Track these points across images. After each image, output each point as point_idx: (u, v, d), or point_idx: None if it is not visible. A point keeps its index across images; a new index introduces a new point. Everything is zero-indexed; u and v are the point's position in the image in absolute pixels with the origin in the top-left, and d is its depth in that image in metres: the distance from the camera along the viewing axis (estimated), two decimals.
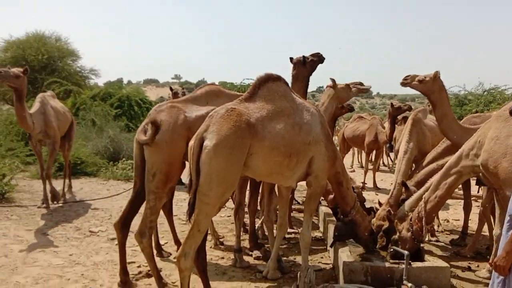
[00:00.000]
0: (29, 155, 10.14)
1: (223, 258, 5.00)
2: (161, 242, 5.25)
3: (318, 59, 5.60)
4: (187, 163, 3.62)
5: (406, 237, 4.27)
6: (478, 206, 7.99)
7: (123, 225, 4.06)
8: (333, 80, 5.89)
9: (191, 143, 3.29)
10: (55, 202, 7.34)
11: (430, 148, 6.17)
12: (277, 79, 3.80)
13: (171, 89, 9.03)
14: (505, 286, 2.60)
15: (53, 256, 4.87)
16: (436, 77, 5.11)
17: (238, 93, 4.39)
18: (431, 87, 5.13)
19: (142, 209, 4.00)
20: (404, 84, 5.39)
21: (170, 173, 3.84)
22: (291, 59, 5.65)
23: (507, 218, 2.71)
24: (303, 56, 5.52)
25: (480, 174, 4.08)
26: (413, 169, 6.10)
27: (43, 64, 20.24)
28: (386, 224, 4.66)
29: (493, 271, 2.69)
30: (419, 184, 5.01)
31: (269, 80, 3.74)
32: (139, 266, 4.63)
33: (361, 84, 6.08)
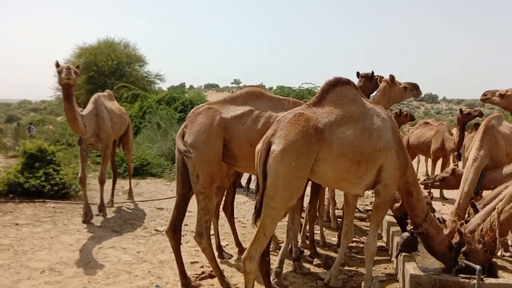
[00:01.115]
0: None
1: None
2: (223, 244, 5.35)
3: (378, 85, 6.05)
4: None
5: (477, 249, 4.02)
6: None
7: (174, 231, 4.13)
8: (392, 77, 5.70)
9: (258, 147, 3.32)
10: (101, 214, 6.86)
11: (504, 157, 5.80)
12: (347, 83, 3.71)
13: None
14: None
15: (122, 253, 5.13)
16: None
17: (281, 97, 4.37)
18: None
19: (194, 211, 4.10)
20: (483, 100, 5.24)
21: (213, 172, 3.89)
22: (357, 73, 6.06)
23: None
24: (372, 72, 5.91)
25: None
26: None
27: (113, 69, 21.44)
28: (455, 237, 4.44)
29: None
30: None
31: (338, 84, 3.66)
32: (202, 266, 4.75)
33: (416, 88, 5.92)
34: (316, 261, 5.01)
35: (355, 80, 5.80)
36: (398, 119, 6.99)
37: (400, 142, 3.81)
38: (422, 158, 14.35)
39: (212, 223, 5.17)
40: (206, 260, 4.89)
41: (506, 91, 4.90)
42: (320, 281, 4.42)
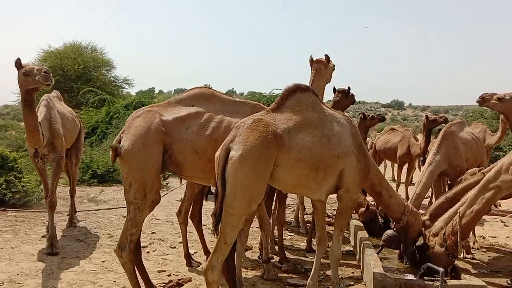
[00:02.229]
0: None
1: (253, 269, 4.98)
2: (191, 251, 5.28)
3: (353, 101, 6.19)
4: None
5: (440, 253, 4.14)
6: None
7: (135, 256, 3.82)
8: (327, 56, 5.55)
9: (217, 153, 3.28)
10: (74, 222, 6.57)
11: (463, 163, 5.98)
12: (306, 89, 3.72)
13: None
14: None
15: (86, 262, 4.98)
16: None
17: (237, 100, 4.17)
18: (510, 106, 4.98)
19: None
20: (481, 102, 5.24)
21: (148, 182, 3.58)
22: (334, 88, 6.13)
23: None
24: (348, 87, 6.03)
25: None
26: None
27: (79, 73, 20.94)
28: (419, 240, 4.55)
29: None
30: (432, 217, 4.74)
31: (298, 91, 3.66)
32: (169, 275, 4.67)
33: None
34: (285, 266, 5.01)
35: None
36: (364, 123, 7.10)
37: (361, 146, 3.82)
38: (388, 163, 14.69)
39: (180, 231, 5.14)
40: (174, 269, 4.86)
41: (504, 95, 4.98)
42: (289, 287, 4.43)
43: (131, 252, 3.66)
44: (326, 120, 3.65)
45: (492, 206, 8.40)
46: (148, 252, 5.44)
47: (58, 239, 5.60)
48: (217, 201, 3.20)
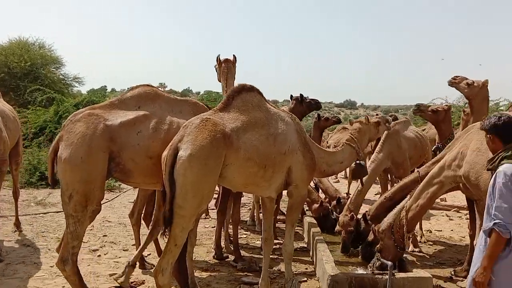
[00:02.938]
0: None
1: (206, 270, 4.95)
2: (144, 253, 5.18)
3: (315, 104, 6.39)
4: None
5: (389, 245, 4.31)
6: (460, 217, 8.19)
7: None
8: (234, 56, 5.45)
9: (164, 153, 3.24)
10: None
11: (406, 160, 6.23)
12: (251, 89, 3.77)
13: None
14: None
15: (34, 268, 4.77)
16: (484, 85, 5.24)
17: (179, 98, 4.09)
18: (476, 93, 5.24)
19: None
20: (452, 83, 5.50)
21: (90, 193, 3.34)
22: (291, 96, 6.33)
23: (481, 233, 2.76)
24: (301, 95, 6.22)
25: (461, 184, 4.15)
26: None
27: (26, 71, 19.95)
28: (369, 235, 4.72)
29: (467, 284, 2.76)
30: (374, 217, 4.99)
31: (243, 91, 3.71)
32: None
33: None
34: (239, 265, 5.03)
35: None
36: (318, 124, 7.24)
37: (306, 143, 3.92)
38: None
39: (133, 233, 5.03)
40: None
41: (473, 82, 5.26)
42: (243, 285, 4.44)
43: (74, 264, 3.45)
44: (272, 119, 3.72)
45: (438, 200, 8.83)
46: (99, 256, 5.29)
47: (2, 244, 5.32)
48: (165, 202, 3.14)
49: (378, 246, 4.40)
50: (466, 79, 5.35)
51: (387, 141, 6.09)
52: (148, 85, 3.95)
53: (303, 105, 6.28)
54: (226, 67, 4.90)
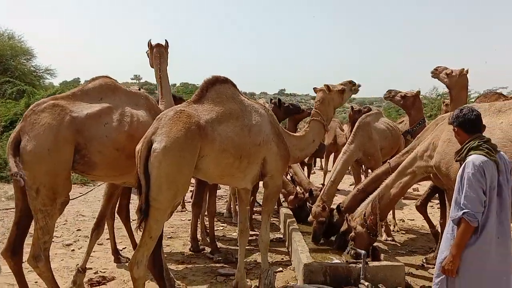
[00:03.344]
0: None
1: (183, 262, 4.94)
2: (119, 247, 5.14)
3: (294, 109, 6.64)
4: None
5: (362, 232, 4.42)
6: (432, 206, 8.39)
7: (13, 253, 3.43)
8: (166, 42, 5.16)
9: (138, 146, 3.20)
10: None
11: (377, 151, 6.36)
12: (225, 81, 3.77)
13: None
14: (447, 284, 2.77)
15: (3, 264, 4.65)
16: (461, 73, 5.35)
17: (132, 90, 4.03)
18: (454, 82, 5.37)
19: None
20: (434, 74, 5.64)
21: (58, 186, 3.27)
22: (270, 100, 6.61)
23: (449, 222, 2.85)
24: (279, 99, 6.57)
25: (431, 174, 4.26)
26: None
27: None
28: (344, 225, 4.80)
29: (436, 271, 2.85)
30: (348, 209, 5.05)
31: (217, 83, 3.71)
32: (96, 273, 4.50)
33: None
34: (216, 257, 5.04)
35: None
36: (278, 110, 7.24)
37: (280, 134, 3.96)
38: None
39: (107, 226, 4.96)
40: (101, 266, 4.70)
41: (452, 71, 5.40)
42: (220, 277, 4.46)
43: (47, 260, 3.36)
44: (246, 110, 3.74)
45: (411, 190, 9.05)
46: (73, 250, 5.21)
47: None
48: (141, 195, 3.11)
49: (351, 234, 4.49)
50: (446, 69, 5.50)
51: (358, 132, 6.21)
52: (107, 76, 3.91)
53: (280, 110, 6.43)
54: (158, 52, 4.83)
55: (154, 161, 3.07)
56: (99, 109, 3.50)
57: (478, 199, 2.64)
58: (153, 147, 3.11)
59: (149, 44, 4.88)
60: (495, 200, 2.70)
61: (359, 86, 4.62)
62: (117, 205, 4.94)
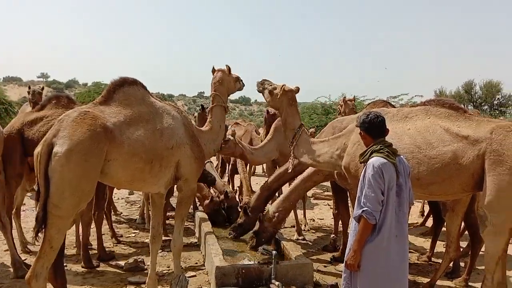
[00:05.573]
0: None
1: (90, 272, 4.70)
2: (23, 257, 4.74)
3: None
4: None
5: (265, 226, 4.86)
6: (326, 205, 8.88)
7: None
8: None
9: (37, 150, 3.01)
10: None
11: None
12: (134, 83, 3.65)
13: (29, 88, 7.93)
14: (351, 279, 2.94)
15: None
16: (284, 90, 4.49)
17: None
18: (278, 101, 4.53)
19: None
20: (259, 90, 4.83)
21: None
22: (202, 106, 6.89)
23: (352, 219, 3.03)
24: (202, 105, 6.95)
25: (335, 174, 4.52)
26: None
27: None
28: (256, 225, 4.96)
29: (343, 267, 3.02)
30: (254, 209, 5.28)
31: (125, 84, 3.58)
32: None
33: None
34: (126, 264, 4.83)
35: None
36: (203, 115, 7.28)
37: (194, 136, 3.91)
38: None
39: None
40: None
41: (274, 89, 4.54)
42: (130, 286, 4.31)
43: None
44: (157, 113, 3.64)
45: (321, 191, 9.44)
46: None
47: None
48: (39, 202, 2.91)
49: (256, 228, 4.71)
50: (272, 85, 4.62)
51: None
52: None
53: (204, 111, 6.54)
54: None
55: (55, 165, 2.89)
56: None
57: (376, 199, 2.81)
58: (54, 150, 2.92)
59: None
60: (394, 200, 2.87)
61: (243, 85, 4.71)
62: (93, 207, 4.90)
